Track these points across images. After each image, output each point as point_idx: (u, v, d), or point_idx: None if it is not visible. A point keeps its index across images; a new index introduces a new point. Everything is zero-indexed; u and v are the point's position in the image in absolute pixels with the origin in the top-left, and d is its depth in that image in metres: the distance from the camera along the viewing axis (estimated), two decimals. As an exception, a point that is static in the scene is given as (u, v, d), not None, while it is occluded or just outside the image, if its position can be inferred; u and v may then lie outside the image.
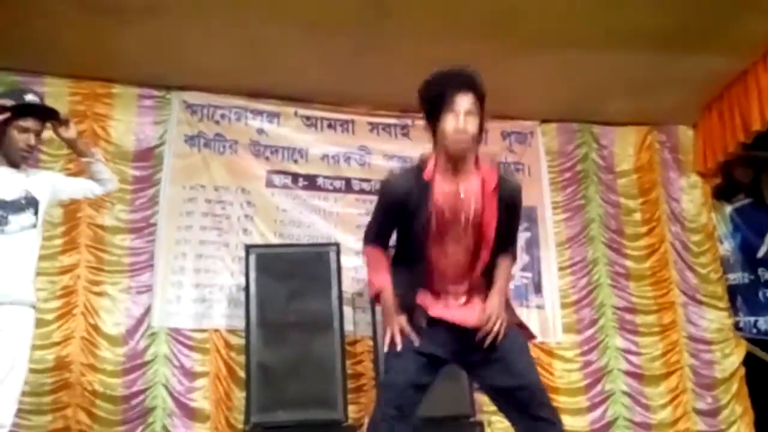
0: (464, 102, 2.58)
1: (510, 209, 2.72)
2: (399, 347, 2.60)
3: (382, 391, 2.75)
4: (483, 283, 2.73)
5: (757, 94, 5.58)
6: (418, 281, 2.71)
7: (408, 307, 2.68)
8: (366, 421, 5.01)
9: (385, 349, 2.66)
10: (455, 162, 2.65)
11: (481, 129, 2.65)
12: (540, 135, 6.33)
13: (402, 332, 2.64)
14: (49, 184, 3.49)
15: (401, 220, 2.71)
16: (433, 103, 2.63)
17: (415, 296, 2.70)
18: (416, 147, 6.00)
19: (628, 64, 5.46)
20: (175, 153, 5.62)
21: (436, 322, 2.67)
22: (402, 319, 2.65)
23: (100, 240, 5.31)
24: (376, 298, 2.81)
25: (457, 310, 2.70)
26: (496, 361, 2.63)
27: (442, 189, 2.66)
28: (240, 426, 4.90)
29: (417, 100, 2.70)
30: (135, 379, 5.10)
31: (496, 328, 2.60)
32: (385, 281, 2.75)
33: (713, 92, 6.08)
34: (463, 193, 2.65)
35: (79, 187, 3.69)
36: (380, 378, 2.66)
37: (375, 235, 2.86)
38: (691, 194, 6.42)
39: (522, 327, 2.81)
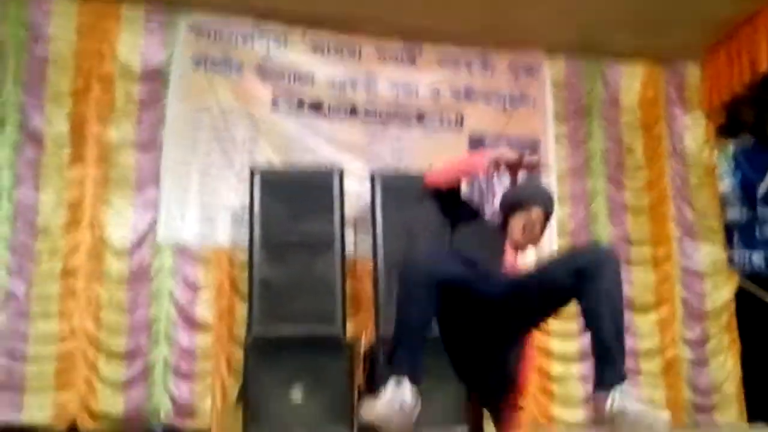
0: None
1: None
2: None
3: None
4: None
5: (766, 36, 5.58)
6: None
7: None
8: (364, 338, 5.19)
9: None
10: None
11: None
12: (547, 67, 6.32)
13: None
14: None
15: None
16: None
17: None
18: (422, 74, 6.06)
19: (639, -1, 5.45)
20: (181, 74, 5.65)
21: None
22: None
23: (106, 156, 5.39)
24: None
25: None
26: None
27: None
28: (241, 338, 5.02)
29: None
30: (140, 290, 5.25)
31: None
32: None
33: (722, 31, 6.05)
34: None
35: None
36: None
37: None
38: (694, 132, 6.44)
39: None
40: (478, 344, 2.86)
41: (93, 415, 4.97)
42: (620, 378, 2.40)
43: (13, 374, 4.91)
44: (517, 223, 3.02)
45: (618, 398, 2.34)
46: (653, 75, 6.45)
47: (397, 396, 2.38)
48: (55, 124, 5.36)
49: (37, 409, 4.89)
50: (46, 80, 5.41)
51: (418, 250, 2.62)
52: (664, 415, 2.38)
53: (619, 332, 2.53)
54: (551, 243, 5.83)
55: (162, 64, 5.64)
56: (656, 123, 6.39)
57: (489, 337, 2.83)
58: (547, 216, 3.06)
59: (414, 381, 2.43)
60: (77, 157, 5.34)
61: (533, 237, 3.02)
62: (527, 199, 3.04)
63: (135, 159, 5.46)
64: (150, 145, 5.50)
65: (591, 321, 2.54)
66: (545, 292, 2.70)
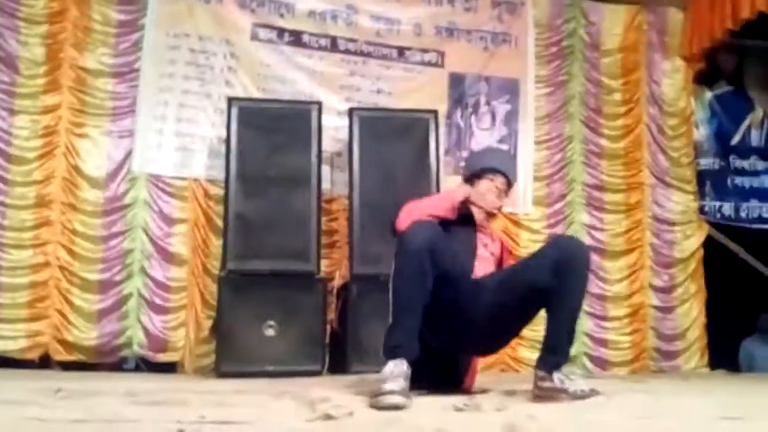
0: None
1: None
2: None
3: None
4: None
5: (750, -19, 5.55)
6: None
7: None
8: (337, 275, 5.23)
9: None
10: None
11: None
12: (530, 6, 6.23)
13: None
14: None
15: None
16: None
17: None
18: (404, 9, 5.96)
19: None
20: (159, -1, 5.53)
21: None
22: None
23: (82, 82, 5.32)
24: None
25: None
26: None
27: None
28: (216, 272, 5.07)
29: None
30: (115, 220, 5.24)
31: None
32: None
33: (706, -25, 6.02)
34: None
35: None
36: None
37: None
38: (672, 78, 6.43)
39: None
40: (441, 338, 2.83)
41: (66, 345, 5.02)
42: (562, 364, 2.59)
43: (-14, 304, 4.94)
44: (480, 189, 3.06)
45: (556, 379, 2.54)
46: (636, 18, 6.39)
47: (394, 396, 2.33)
48: (31, 47, 5.26)
49: (9, 338, 4.93)
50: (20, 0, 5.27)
51: (415, 229, 2.60)
52: (592, 388, 2.54)
53: (572, 327, 2.68)
54: (525, 189, 5.90)
55: (140, -13, 5.49)
56: (636, 68, 6.36)
57: (454, 335, 2.83)
58: (509, 185, 3.14)
59: (410, 361, 2.48)
60: (52, 83, 5.26)
61: (494, 204, 3.08)
62: (492, 167, 3.12)
63: (111, 86, 5.38)
64: (127, 72, 5.41)
65: (552, 311, 2.66)
66: (526, 297, 2.73)
